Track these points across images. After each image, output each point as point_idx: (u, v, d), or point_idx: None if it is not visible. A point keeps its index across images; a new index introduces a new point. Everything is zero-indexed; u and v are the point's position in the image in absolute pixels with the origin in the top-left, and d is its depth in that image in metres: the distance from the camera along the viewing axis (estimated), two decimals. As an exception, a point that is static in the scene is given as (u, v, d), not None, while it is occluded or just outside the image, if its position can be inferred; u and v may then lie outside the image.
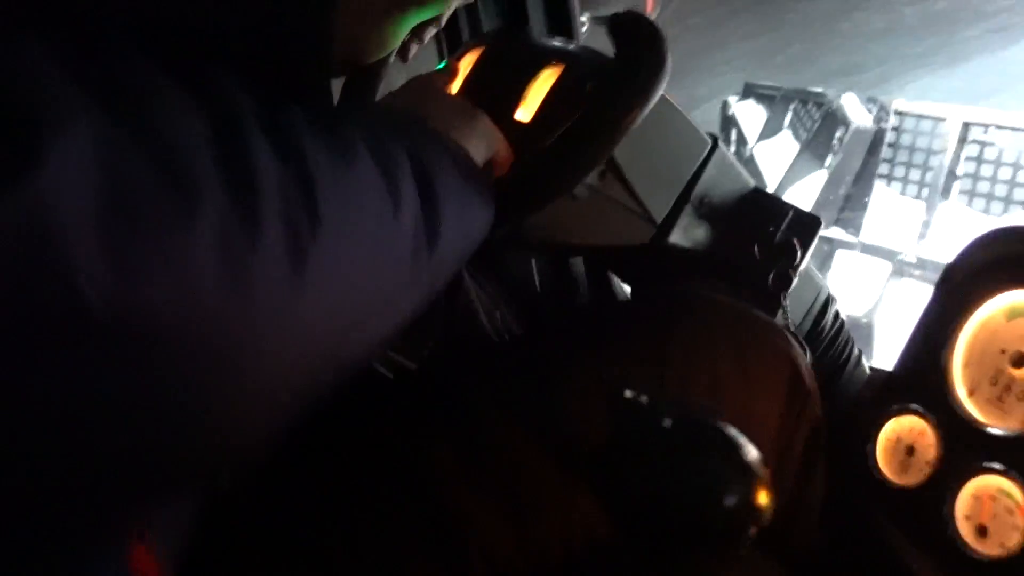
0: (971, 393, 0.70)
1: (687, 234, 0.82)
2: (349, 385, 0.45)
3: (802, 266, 0.86)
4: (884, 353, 2.73)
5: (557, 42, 0.80)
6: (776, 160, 3.10)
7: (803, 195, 2.89)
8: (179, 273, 0.33)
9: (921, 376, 0.74)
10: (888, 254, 2.62)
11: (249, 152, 0.37)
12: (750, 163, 3.30)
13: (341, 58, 0.73)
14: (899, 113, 2.57)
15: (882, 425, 0.77)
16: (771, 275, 0.83)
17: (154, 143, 0.34)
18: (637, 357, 0.68)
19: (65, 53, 0.34)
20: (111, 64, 0.36)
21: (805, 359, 0.74)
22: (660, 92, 0.65)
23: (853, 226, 2.70)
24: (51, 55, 0.33)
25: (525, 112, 0.73)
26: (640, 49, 0.65)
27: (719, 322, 0.72)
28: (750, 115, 3.36)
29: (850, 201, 2.72)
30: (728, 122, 3.48)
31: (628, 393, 0.52)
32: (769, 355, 0.71)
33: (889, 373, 0.80)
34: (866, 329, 2.73)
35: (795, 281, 0.85)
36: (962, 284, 0.71)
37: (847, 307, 2.85)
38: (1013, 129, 2.37)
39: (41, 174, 0.29)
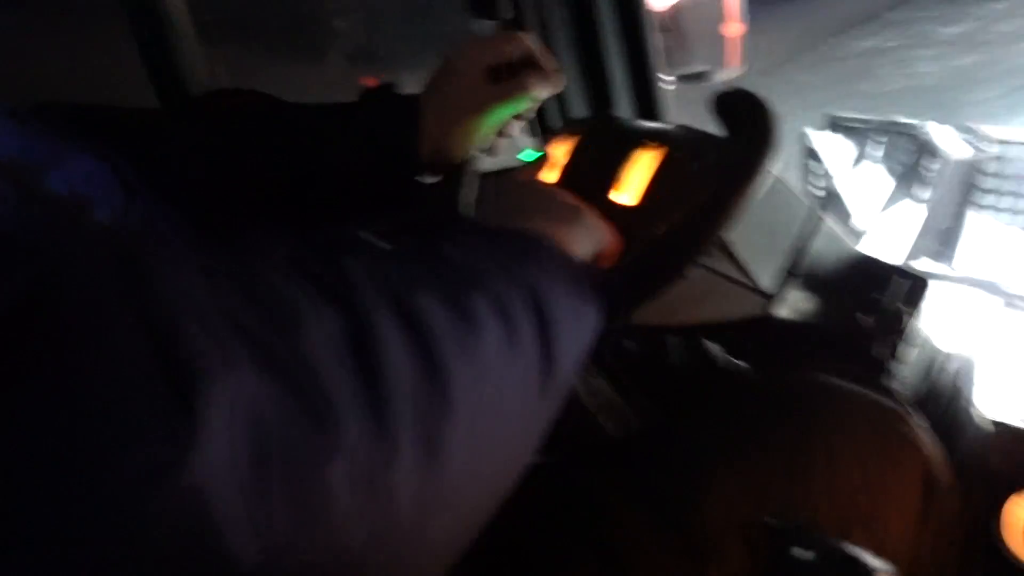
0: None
1: (794, 306, 0.82)
2: None
3: (911, 331, 0.84)
4: (989, 390, 2.59)
5: (649, 124, 0.81)
6: (868, 194, 3.01)
7: (899, 229, 2.79)
8: (319, 513, 0.34)
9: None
10: (992, 287, 2.51)
11: (384, 353, 0.38)
12: (835, 198, 3.22)
13: (431, 160, 0.77)
14: (1002, 142, 2.46)
15: (1006, 498, 0.74)
16: (877, 344, 0.81)
17: (297, 378, 0.35)
18: (777, 468, 0.67)
19: (219, 288, 0.36)
20: (253, 284, 0.38)
21: (936, 446, 0.71)
22: (768, 176, 0.65)
23: (946, 258, 2.60)
24: (209, 291, 0.35)
25: (627, 195, 0.75)
26: (755, 127, 0.65)
27: (836, 422, 0.70)
28: (834, 148, 3.28)
29: (949, 233, 2.61)
30: (809, 155, 3.41)
31: (769, 520, 0.51)
32: (894, 448, 0.69)
33: (1011, 451, 0.77)
34: (969, 366, 2.61)
35: (909, 349, 0.83)
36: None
37: (948, 343, 2.73)
38: None
39: (197, 458, 0.30)
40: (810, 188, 3.43)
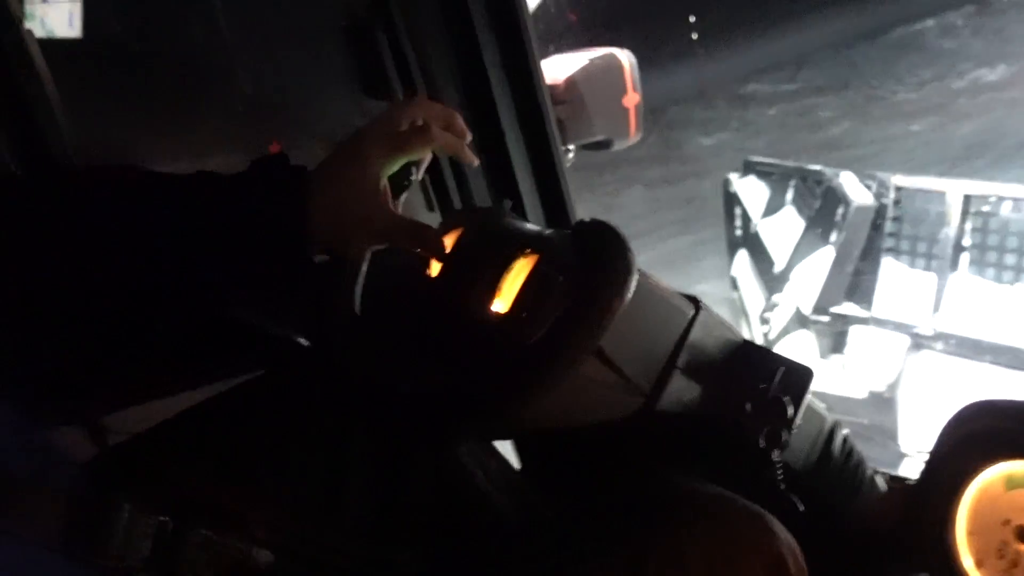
0: (979, 564, 0.68)
1: (677, 399, 0.82)
2: None
3: (797, 419, 0.85)
4: (908, 428, 2.68)
5: (530, 227, 0.81)
6: (782, 236, 3.10)
7: (812, 271, 2.88)
8: None
9: (929, 545, 0.72)
10: (904, 328, 2.59)
11: None
12: (755, 239, 3.31)
13: (323, 238, 0.74)
14: (899, 188, 2.58)
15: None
16: (762, 435, 0.82)
17: None
18: (633, 568, 0.68)
19: None
20: None
21: (790, 543, 0.73)
22: (630, 295, 0.66)
23: (865, 301, 2.68)
24: None
25: (502, 303, 0.74)
26: (607, 258, 0.67)
27: (690, 530, 0.72)
28: (752, 192, 3.38)
29: (860, 276, 2.71)
30: (731, 199, 3.51)
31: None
32: (739, 549, 0.71)
33: (896, 535, 0.78)
34: (889, 404, 2.69)
35: (789, 437, 0.84)
36: (955, 454, 0.70)
37: (867, 383, 2.82)
38: (1015, 199, 2.37)
39: None
40: (735, 230, 3.52)
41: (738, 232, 3.51)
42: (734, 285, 3.48)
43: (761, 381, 0.85)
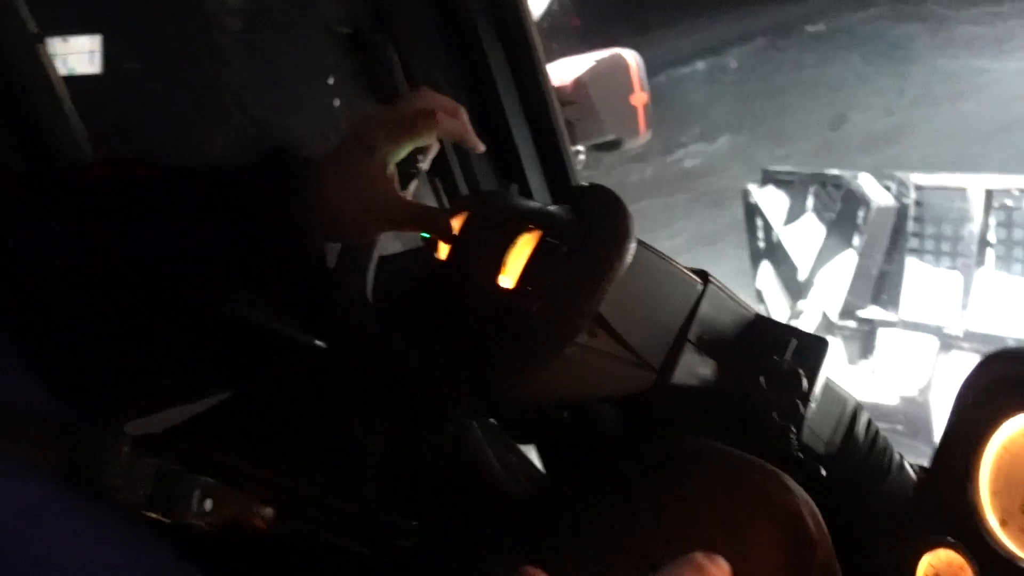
0: (1003, 523, 0.66)
1: (691, 373, 0.81)
2: None
3: (816, 390, 0.84)
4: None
5: (534, 204, 0.81)
6: (805, 243, 3.08)
7: (836, 276, 2.85)
8: None
9: (952, 506, 0.70)
10: (933, 329, 2.55)
11: None
12: (778, 248, 3.28)
13: (329, 229, 0.74)
14: (919, 187, 2.55)
15: (919, 559, 0.73)
16: (778, 406, 0.81)
17: None
18: (627, 535, 0.68)
19: None
20: None
21: (808, 503, 0.71)
22: (628, 257, 0.66)
23: (892, 304, 2.65)
24: None
25: (508, 278, 0.75)
26: (605, 219, 0.66)
27: (705, 484, 0.71)
28: (772, 201, 3.36)
29: (885, 279, 2.67)
30: (752, 210, 3.49)
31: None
32: (753, 505, 0.69)
33: (920, 501, 0.76)
34: (922, 408, 2.63)
35: (809, 408, 0.82)
36: (976, 408, 0.68)
37: (900, 388, 2.77)
38: (1038, 191, 2.34)
39: None
40: (758, 241, 3.50)
41: (760, 243, 3.49)
42: (759, 298, 3.45)
43: (774, 353, 0.84)
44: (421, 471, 0.53)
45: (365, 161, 0.72)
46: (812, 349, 0.85)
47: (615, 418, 1.09)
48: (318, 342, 0.99)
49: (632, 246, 0.67)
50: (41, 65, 1.08)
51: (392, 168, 0.75)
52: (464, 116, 0.77)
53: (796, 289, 3.09)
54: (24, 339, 0.60)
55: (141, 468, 0.51)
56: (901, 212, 2.58)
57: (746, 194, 3.51)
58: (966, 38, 5.54)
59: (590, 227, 0.69)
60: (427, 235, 0.85)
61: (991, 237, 2.43)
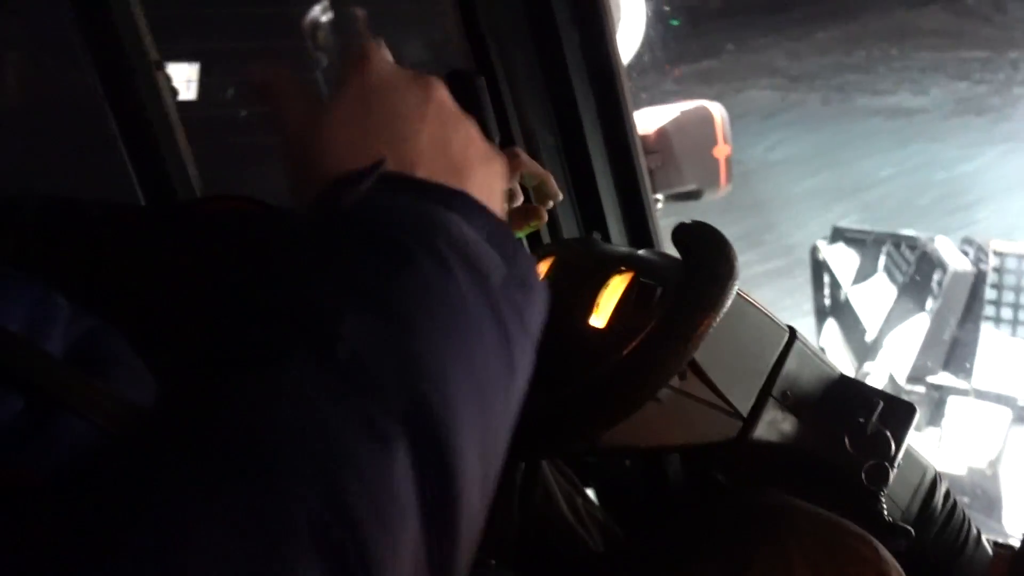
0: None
1: (773, 428, 0.81)
2: None
3: (899, 456, 0.83)
4: (1012, 507, 2.52)
5: (623, 248, 0.83)
6: (873, 304, 3.02)
7: (906, 340, 2.79)
8: None
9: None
10: (1006, 400, 2.47)
11: None
12: (845, 307, 3.23)
13: None
14: (998, 254, 2.50)
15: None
16: (864, 470, 0.80)
17: None
18: None
19: None
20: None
21: (896, 567, 0.70)
22: (731, 299, 0.66)
23: (964, 372, 2.58)
24: None
25: (599, 319, 0.76)
26: (709, 258, 0.67)
27: (796, 540, 0.70)
28: (841, 259, 3.32)
29: (958, 345, 2.61)
30: (820, 267, 3.45)
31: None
32: (852, 569, 0.68)
33: (1010, 572, 0.74)
34: (991, 481, 2.54)
35: (893, 473, 0.81)
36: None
37: (968, 459, 2.68)
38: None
39: None
40: (824, 299, 3.46)
41: (827, 301, 3.44)
42: (822, 356, 3.38)
43: (860, 415, 0.83)
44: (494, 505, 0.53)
45: None
46: (898, 413, 0.84)
47: (679, 468, 1.09)
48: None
49: (735, 287, 0.67)
50: (159, 90, 1.14)
51: None
52: (553, 183, 0.77)
53: (863, 350, 3.03)
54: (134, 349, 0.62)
55: None
56: (979, 277, 2.52)
57: (814, 250, 3.48)
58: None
59: (693, 265, 0.69)
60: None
61: (1072, 309, 2.36)
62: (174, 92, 1.24)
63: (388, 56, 0.49)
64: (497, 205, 0.47)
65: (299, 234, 0.41)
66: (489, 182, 0.47)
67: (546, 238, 1.27)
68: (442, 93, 0.48)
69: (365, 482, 0.30)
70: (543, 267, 0.85)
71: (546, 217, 0.77)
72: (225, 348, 0.34)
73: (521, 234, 0.79)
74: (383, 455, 0.31)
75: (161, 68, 1.15)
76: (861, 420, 0.83)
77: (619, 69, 1.31)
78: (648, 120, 1.43)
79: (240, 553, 0.27)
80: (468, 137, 0.48)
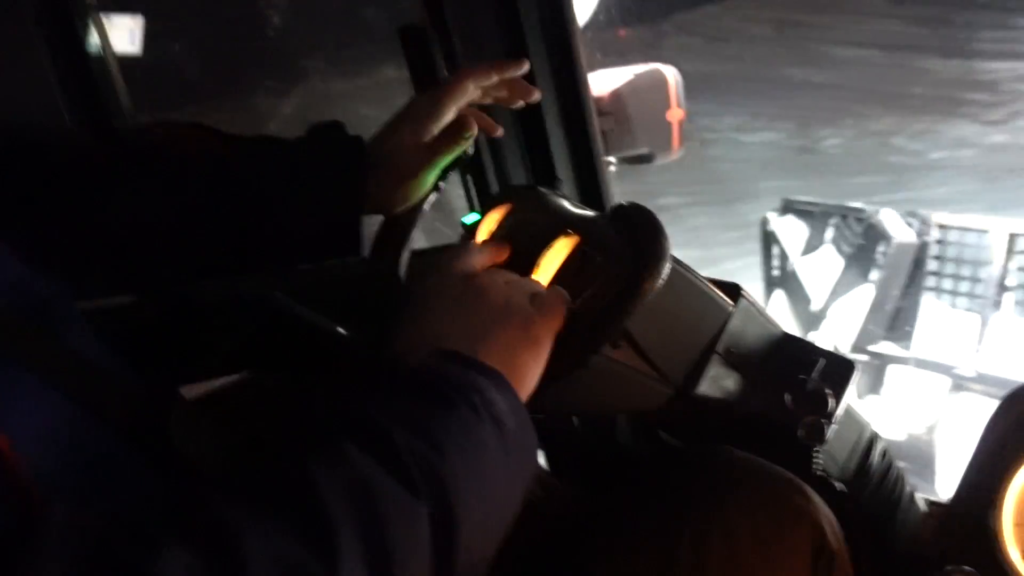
0: (1024, 554, 0.67)
1: (716, 384, 0.82)
2: None
3: (839, 412, 0.84)
4: (947, 471, 2.61)
5: (577, 209, 0.82)
6: (820, 275, 3.08)
7: (851, 310, 2.85)
8: None
9: (973, 535, 0.71)
10: (944, 368, 2.55)
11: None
12: (793, 278, 3.28)
13: (373, 207, 0.78)
14: (942, 226, 2.56)
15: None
16: (802, 425, 0.81)
17: None
18: (650, 537, 0.70)
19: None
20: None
21: (829, 516, 0.72)
22: (662, 280, 0.69)
23: (905, 341, 2.64)
24: None
25: (539, 278, 0.75)
26: (642, 239, 0.69)
27: (733, 492, 0.72)
28: (790, 230, 3.37)
29: (900, 315, 2.67)
30: (769, 238, 3.49)
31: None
32: (788, 519, 0.70)
33: (940, 530, 0.76)
34: (928, 446, 2.63)
35: (832, 429, 0.83)
36: (1003, 440, 0.69)
37: (907, 425, 2.76)
38: (1062, 238, 2.34)
39: None
40: (773, 270, 3.50)
41: (775, 272, 3.49)
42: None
43: (801, 372, 0.84)
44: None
45: (408, 137, 0.79)
46: (839, 370, 0.85)
47: (627, 426, 1.10)
48: (340, 329, 1.00)
49: (667, 268, 0.68)
50: (97, 35, 1.10)
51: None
52: (509, 70, 0.86)
53: (808, 320, 3.09)
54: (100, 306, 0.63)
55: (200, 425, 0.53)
56: (922, 249, 2.58)
57: (764, 222, 3.52)
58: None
59: (627, 243, 0.71)
60: (467, 224, 0.86)
61: (1010, 281, 2.43)
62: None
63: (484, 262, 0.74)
64: (523, 371, 0.65)
65: (379, 378, 0.59)
66: (524, 360, 0.65)
67: (495, 187, 1.26)
68: (519, 300, 0.67)
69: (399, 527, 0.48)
70: (499, 212, 0.84)
71: (475, 130, 0.83)
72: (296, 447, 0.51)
73: (454, 153, 0.82)
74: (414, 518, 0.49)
75: (97, 12, 1.11)
76: (802, 377, 0.84)
77: (574, 29, 1.29)
78: (602, 82, 1.42)
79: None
80: (522, 334, 0.65)
